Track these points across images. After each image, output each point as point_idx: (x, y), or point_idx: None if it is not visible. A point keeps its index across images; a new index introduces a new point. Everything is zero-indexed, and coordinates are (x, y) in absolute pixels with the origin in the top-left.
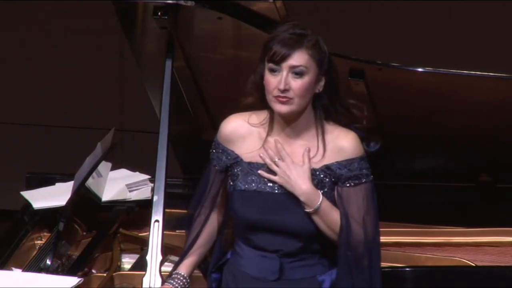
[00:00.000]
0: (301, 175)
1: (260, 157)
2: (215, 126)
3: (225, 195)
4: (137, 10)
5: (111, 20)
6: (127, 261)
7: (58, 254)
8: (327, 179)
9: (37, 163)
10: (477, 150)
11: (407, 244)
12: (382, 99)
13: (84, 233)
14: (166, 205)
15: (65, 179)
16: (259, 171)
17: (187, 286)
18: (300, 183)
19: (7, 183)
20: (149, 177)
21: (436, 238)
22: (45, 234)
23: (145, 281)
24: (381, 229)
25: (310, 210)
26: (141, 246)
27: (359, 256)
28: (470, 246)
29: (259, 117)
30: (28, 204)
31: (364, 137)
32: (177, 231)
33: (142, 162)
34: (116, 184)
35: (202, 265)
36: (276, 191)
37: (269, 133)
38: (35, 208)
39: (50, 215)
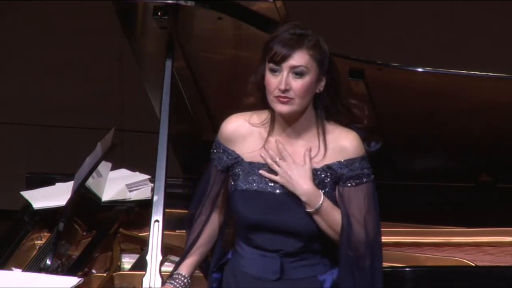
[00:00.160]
0: (302, 175)
1: (261, 157)
2: (215, 126)
3: (226, 195)
4: (137, 10)
5: (111, 20)
6: (127, 261)
7: (58, 254)
8: (328, 179)
9: (37, 163)
10: (477, 150)
11: (407, 244)
12: (382, 99)
13: (84, 233)
14: (166, 205)
15: (65, 179)
16: (260, 171)
17: (188, 286)
18: (301, 183)
19: (7, 183)
20: (149, 177)
21: (436, 238)
22: (45, 234)
23: (145, 281)
24: (381, 229)
25: (311, 210)
26: (141, 246)
27: (360, 256)
28: (470, 246)
29: (260, 117)
30: (28, 204)
31: (365, 137)
32: (177, 231)
33: (142, 162)
34: (116, 184)
35: (203, 265)
36: (277, 191)
37: (270, 133)
38: (35, 208)
39: (50, 215)
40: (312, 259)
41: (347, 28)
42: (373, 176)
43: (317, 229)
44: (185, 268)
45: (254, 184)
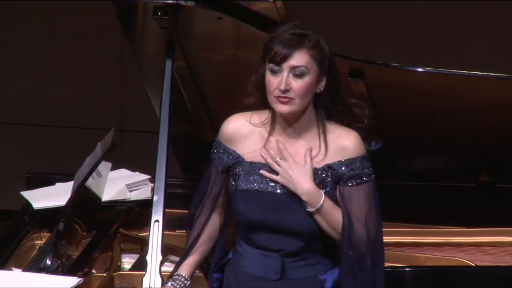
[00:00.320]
0: (303, 174)
1: (262, 157)
2: (215, 126)
3: (226, 195)
4: (137, 10)
5: (111, 20)
6: (127, 261)
7: (58, 254)
8: (329, 179)
9: (37, 163)
10: (477, 150)
11: (407, 244)
12: (382, 99)
13: (84, 233)
14: (166, 205)
15: (65, 179)
16: (261, 171)
17: (188, 287)
18: (302, 183)
19: (7, 183)
20: (149, 177)
21: (436, 238)
22: (45, 234)
23: (145, 281)
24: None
25: (312, 209)
26: (141, 246)
27: (361, 255)
28: (470, 246)
29: (260, 117)
30: (28, 204)
31: (365, 136)
32: (177, 231)
33: (142, 162)
34: (116, 184)
35: (203, 265)
36: (278, 191)
37: (270, 133)
38: (35, 208)
39: (50, 215)
40: (313, 259)
41: (347, 28)
42: (374, 175)
43: (318, 228)
44: (185, 269)
45: (255, 184)
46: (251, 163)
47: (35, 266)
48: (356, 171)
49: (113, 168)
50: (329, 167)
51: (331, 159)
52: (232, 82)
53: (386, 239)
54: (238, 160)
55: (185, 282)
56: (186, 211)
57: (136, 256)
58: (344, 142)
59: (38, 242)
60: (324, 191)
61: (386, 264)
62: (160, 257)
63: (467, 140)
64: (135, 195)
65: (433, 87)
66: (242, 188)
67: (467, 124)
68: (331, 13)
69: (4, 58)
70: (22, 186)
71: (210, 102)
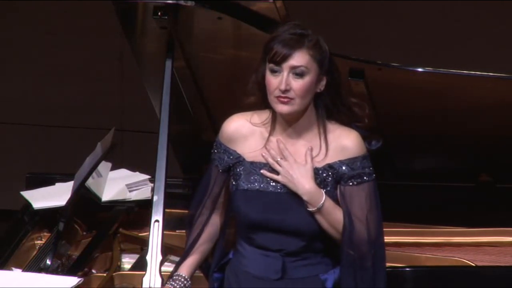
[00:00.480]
0: (304, 174)
1: (263, 156)
2: (215, 126)
3: (226, 195)
4: (137, 10)
5: (111, 20)
6: (127, 261)
7: (58, 254)
8: (329, 178)
9: (37, 163)
10: (477, 150)
11: (407, 244)
12: (382, 99)
13: (84, 233)
14: (166, 205)
15: (65, 179)
16: (262, 171)
17: (188, 287)
18: (303, 182)
19: (7, 183)
20: (149, 177)
21: (436, 238)
22: (45, 234)
23: (145, 281)
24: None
25: (313, 209)
26: (141, 246)
27: (362, 255)
28: (470, 246)
29: (261, 116)
30: (28, 204)
31: (365, 136)
32: (177, 231)
33: (142, 162)
34: (116, 184)
35: (203, 265)
36: (279, 191)
37: (271, 132)
38: (35, 208)
39: (50, 215)
40: (313, 259)
41: (347, 28)
42: (374, 175)
43: (319, 228)
44: (185, 269)
45: (256, 184)
46: (252, 163)
47: (35, 266)
48: (357, 170)
49: (113, 168)
50: (329, 166)
51: (331, 158)
52: (232, 82)
53: (386, 239)
54: (239, 160)
55: (185, 282)
56: (186, 211)
57: (136, 256)
58: (344, 142)
59: (38, 242)
60: (324, 190)
61: (386, 264)
62: (160, 257)
63: (467, 140)
64: (135, 195)
65: (433, 87)
66: (243, 188)
67: (467, 124)
68: (331, 13)
69: (4, 58)
70: (22, 186)
71: (210, 102)
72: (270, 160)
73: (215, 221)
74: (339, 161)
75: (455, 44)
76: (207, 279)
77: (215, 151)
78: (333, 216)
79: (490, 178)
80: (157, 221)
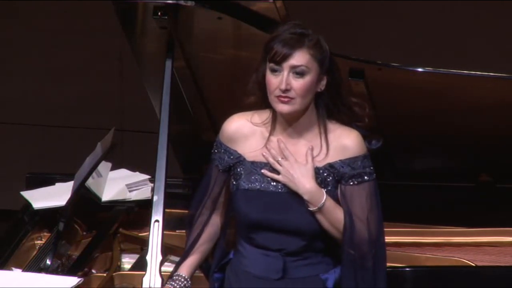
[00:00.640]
0: (304, 174)
1: (263, 156)
2: (215, 126)
3: (227, 195)
4: (137, 10)
5: (111, 20)
6: (127, 261)
7: (58, 254)
8: (330, 178)
9: (37, 163)
10: (477, 150)
11: (407, 244)
12: (382, 99)
13: (84, 233)
14: (166, 205)
15: (65, 179)
16: (263, 171)
17: (188, 287)
18: (304, 182)
19: (7, 183)
20: (149, 177)
21: (436, 238)
22: (45, 234)
23: (145, 281)
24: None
25: (314, 208)
26: (141, 246)
27: (362, 254)
28: (470, 246)
29: (261, 116)
30: (28, 204)
31: (366, 135)
32: (177, 231)
33: (142, 162)
34: (116, 184)
35: (203, 265)
36: (280, 190)
37: (271, 132)
38: (35, 208)
39: (50, 215)
40: (314, 258)
41: (347, 28)
42: (375, 174)
43: (320, 228)
44: (185, 269)
45: (257, 184)
46: (253, 162)
47: (35, 266)
48: (358, 170)
49: (113, 168)
50: (330, 166)
51: (332, 158)
52: (232, 82)
53: (386, 239)
54: (239, 160)
55: (185, 282)
56: (186, 211)
57: (136, 256)
58: (345, 141)
59: (38, 242)
60: (325, 190)
61: (386, 264)
62: (160, 257)
63: (467, 140)
64: (135, 195)
65: (433, 87)
66: (244, 187)
67: (467, 124)
68: (331, 13)
69: (4, 58)
70: (22, 186)
71: (210, 102)
72: (271, 160)
73: (215, 221)
74: (340, 160)
75: (455, 44)
76: (207, 279)
77: (215, 151)
78: (333, 216)
79: (490, 178)
80: (157, 221)
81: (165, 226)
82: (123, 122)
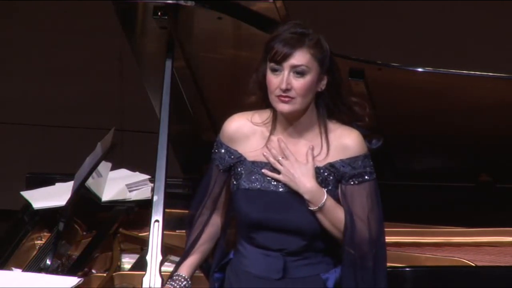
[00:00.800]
0: (305, 173)
1: (264, 156)
2: (215, 126)
3: (227, 195)
4: (137, 10)
5: (111, 20)
6: (127, 261)
7: (58, 254)
8: (331, 177)
9: (37, 163)
10: (477, 150)
11: (407, 244)
12: (382, 99)
13: (84, 233)
14: (166, 205)
15: (65, 179)
16: (263, 170)
17: (188, 287)
18: (305, 181)
19: (7, 183)
20: (149, 177)
21: (436, 238)
22: (45, 234)
23: (145, 281)
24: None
25: (315, 208)
26: (141, 246)
27: (363, 254)
28: (470, 246)
29: (261, 116)
30: (28, 204)
31: (366, 135)
32: (177, 231)
33: (142, 162)
34: (116, 184)
35: (203, 265)
36: (280, 190)
37: (272, 132)
38: (35, 208)
39: (50, 215)
40: (315, 258)
41: (347, 28)
42: (375, 174)
43: (320, 227)
44: (185, 269)
45: (257, 183)
46: (253, 162)
47: (35, 266)
48: (358, 169)
49: (113, 168)
50: (331, 165)
51: (333, 157)
52: (232, 82)
53: (386, 239)
54: (240, 159)
55: (185, 282)
56: (186, 211)
57: (136, 256)
58: (346, 141)
59: (38, 242)
60: (326, 190)
61: (387, 264)
62: (160, 257)
63: (467, 140)
64: (135, 195)
65: (433, 87)
66: (244, 187)
67: (467, 124)
68: (331, 13)
69: (4, 58)
70: (22, 186)
71: (210, 102)
72: (271, 160)
73: (216, 221)
74: (340, 160)
75: (455, 44)
76: (207, 279)
77: (216, 150)
78: (334, 215)
79: (490, 178)
80: (157, 221)
81: (165, 226)
82: (123, 122)
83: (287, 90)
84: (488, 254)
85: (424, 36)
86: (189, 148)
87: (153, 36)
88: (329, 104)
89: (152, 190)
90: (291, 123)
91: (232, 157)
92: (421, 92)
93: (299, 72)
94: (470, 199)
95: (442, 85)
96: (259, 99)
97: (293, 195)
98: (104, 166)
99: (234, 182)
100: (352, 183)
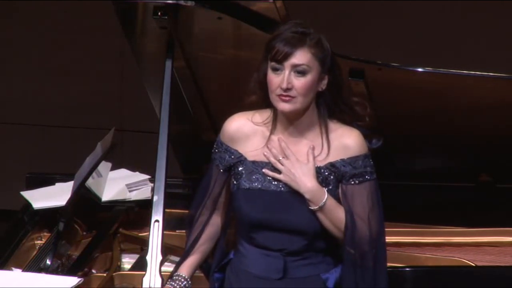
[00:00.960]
0: (306, 173)
1: (264, 155)
2: (215, 126)
3: (227, 195)
4: (137, 10)
5: (111, 20)
6: (127, 261)
7: (58, 254)
8: (331, 177)
9: (37, 163)
10: (477, 150)
11: (407, 244)
12: (382, 99)
13: (84, 233)
14: (166, 205)
15: (65, 179)
16: (264, 170)
17: (188, 287)
18: (305, 181)
19: (7, 183)
20: (149, 177)
21: (436, 238)
22: (45, 234)
23: (145, 281)
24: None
25: (315, 207)
26: (141, 246)
27: (363, 253)
28: (470, 246)
29: (262, 115)
30: (28, 204)
31: (366, 134)
32: (177, 231)
33: (142, 162)
34: (116, 184)
35: (203, 265)
36: (281, 190)
37: (272, 131)
38: (35, 208)
39: (50, 215)
40: (315, 258)
41: (347, 28)
42: (375, 174)
43: (321, 227)
44: (185, 269)
45: (258, 183)
46: (254, 162)
47: (35, 266)
48: (359, 169)
49: (113, 168)
50: (331, 165)
51: (333, 157)
52: (232, 82)
53: (386, 239)
54: (240, 159)
55: (185, 282)
56: (186, 211)
57: (136, 256)
58: (346, 141)
59: (38, 242)
60: (326, 189)
61: (387, 264)
62: (160, 257)
63: (467, 140)
64: (135, 195)
65: (433, 87)
66: (245, 187)
67: (467, 124)
68: (331, 13)
69: (4, 58)
70: (22, 186)
71: (210, 102)
72: (272, 159)
73: (216, 221)
74: (341, 159)
75: (455, 44)
76: (207, 279)
77: (216, 150)
78: (335, 215)
79: (490, 178)
80: (157, 221)
81: (165, 226)
82: (123, 122)
83: (288, 89)
84: (488, 254)
85: (424, 36)
86: (189, 148)
87: (153, 36)
88: (330, 103)
89: (152, 190)
90: (292, 122)
91: (232, 157)
92: (421, 92)
93: (300, 71)
94: (470, 199)
95: (442, 85)
96: (260, 99)
97: (294, 195)
98: (104, 166)
99: (234, 182)
100: (352, 182)
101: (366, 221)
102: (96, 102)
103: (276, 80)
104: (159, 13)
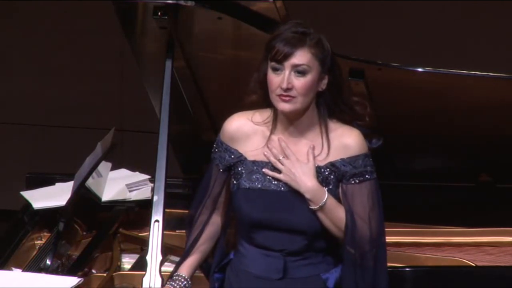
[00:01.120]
0: (306, 172)
1: (265, 155)
2: (215, 126)
3: (227, 194)
4: (137, 10)
5: (111, 20)
6: (127, 261)
7: (58, 254)
8: (332, 176)
9: (37, 163)
10: (477, 150)
11: (407, 244)
12: (382, 99)
13: (84, 233)
14: (166, 205)
15: (65, 179)
16: (264, 170)
17: (188, 287)
18: (306, 181)
19: (7, 183)
20: (149, 177)
21: (436, 238)
22: (45, 234)
23: (145, 281)
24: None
25: (316, 207)
26: (141, 246)
27: (363, 253)
28: (470, 246)
29: (262, 115)
30: (28, 204)
31: (366, 134)
32: (177, 231)
33: (142, 162)
34: (116, 184)
35: (203, 265)
36: (281, 189)
37: (272, 131)
38: (35, 208)
39: (50, 215)
40: (315, 258)
41: (347, 28)
42: (376, 173)
43: (321, 227)
44: (185, 269)
45: (258, 183)
46: (254, 161)
47: (35, 266)
48: (359, 169)
49: (113, 168)
50: (332, 165)
51: (333, 157)
52: (232, 82)
53: (386, 239)
54: (240, 159)
55: (185, 282)
56: (186, 211)
57: (136, 256)
58: (346, 140)
59: (38, 242)
60: (327, 189)
61: (387, 264)
62: (160, 257)
63: (467, 140)
64: (135, 195)
65: (433, 87)
66: (245, 186)
67: (467, 124)
68: (331, 13)
69: (4, 58)
70: (22, 186)
71: (210, 102)
72: (272, 159)
73: (216, 221)
74: (341, 159)
75: (455, 44)
76: (207, 279)
77: (216, 150)
78: (335, 214)
79: (490, 178)
80: (157, 221)
81: (165, 226)
82: (123, 122)
83: (288, 89)
84: (488, 254)
85: (424, 36)
86: (189, 148)
87: (153, 36)
88: (330, 103)
89: (152, 190)
90: (292, 122)
91: (232, 156)
92: (421, 92)
93: (300, 71)
94: (470, 199)
95: (442, 85)
96: (260, 98)
97: (294, 195)
98: (104, 166)
99: (234, 182)
100: (353, 182)
101: (367, 221)
102: (96, 102)
103: (276, 80)
104: (159, 13)
